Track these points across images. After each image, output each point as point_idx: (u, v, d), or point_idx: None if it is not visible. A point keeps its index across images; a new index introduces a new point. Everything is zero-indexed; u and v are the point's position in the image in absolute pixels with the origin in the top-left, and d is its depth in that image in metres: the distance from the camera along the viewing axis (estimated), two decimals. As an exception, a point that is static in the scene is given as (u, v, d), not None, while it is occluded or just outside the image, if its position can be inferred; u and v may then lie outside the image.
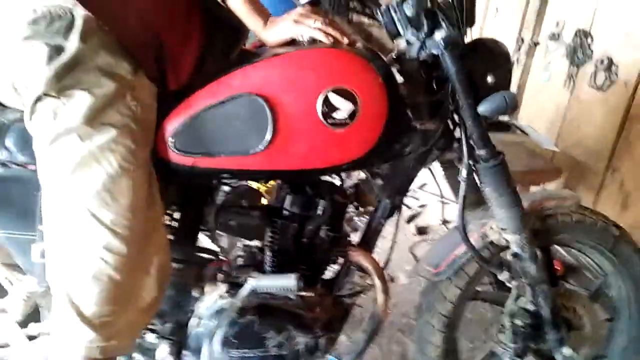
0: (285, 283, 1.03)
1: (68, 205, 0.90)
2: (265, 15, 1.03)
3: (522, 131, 1.12)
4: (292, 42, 1.03)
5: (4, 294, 1.24)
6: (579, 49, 1.96)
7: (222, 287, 1.17)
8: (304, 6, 1.09)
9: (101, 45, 0.87)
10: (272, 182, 1.24)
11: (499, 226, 1.10)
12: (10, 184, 1.02)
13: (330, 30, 0.99)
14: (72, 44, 0.85)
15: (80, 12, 0.86)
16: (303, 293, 1.13)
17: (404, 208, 2.45)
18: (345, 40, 0.99)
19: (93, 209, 0.89)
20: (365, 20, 1.23)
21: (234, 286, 1.17)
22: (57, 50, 0.85)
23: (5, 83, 0.93)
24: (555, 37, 2.09)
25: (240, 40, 1.10)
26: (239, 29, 1.07)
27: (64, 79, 0.85)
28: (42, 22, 0.85)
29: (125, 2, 0.93)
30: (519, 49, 2.28)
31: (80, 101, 0.86)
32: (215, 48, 1.04)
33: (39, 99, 0.87)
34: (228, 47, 1.06)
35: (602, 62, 1.85)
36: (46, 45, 0.84)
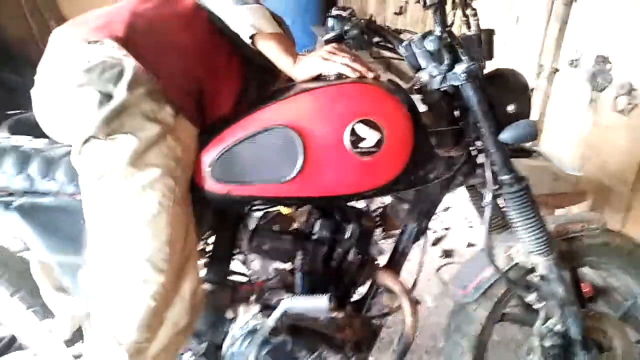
0: (318, 303, 1.07)
1: (110, 238, 0.97)
2: (294, 55, 1.09)
3: (545, 157, 1.15)
4: (319, 77, 1.10)
5: (51, 315, 1.31)
6: (599, 75, 1.98)
7: (255, 308, 1.22)
8: (328, 43, 1.16)
9: (146, 93, 0.96)
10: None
11: (525, 249, 1.12)
12: (60, 212, 1.09)
13: (356, 65, 1.05)
14: (121, 91, 0.93)
15: (130, 63, 0.95)
16: (333, 314, 1.17)
17: (429, 231, 2.48)
18: (370, 75, 1.06)
19: (133, 244, 0.96)
20: (386, 53, 1.30)
21: (267, 308, 1.22)
22: (107, 97, 0.93)
23: (58, 122, 1.02)
24: (574, 63, 2.12)
25: (274, 82, 1.17)
26: (273, 71, 1.13)
27: (112, 124, 0.93)
28: (95, 70, 0.94)
29: (172, 54, 1.02)
30: (539, 75, 2.32)
31: (126, 144, 0.94)
32: (250, 91, 1.11)
33: (87, 140, 0.94)
34: (262, 89, 1.14)
35: (622, 87, 1.87)
36: (98, 92, 0.93)
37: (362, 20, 1.16)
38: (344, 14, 1.17)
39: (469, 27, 0.99)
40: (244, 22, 1.05)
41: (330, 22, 1.15)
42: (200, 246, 1.24)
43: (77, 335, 1.28)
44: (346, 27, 1.15)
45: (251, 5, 1.05)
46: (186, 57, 1.05)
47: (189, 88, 1.03)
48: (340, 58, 1.06)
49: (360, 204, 1.25)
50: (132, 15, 1.03)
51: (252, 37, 1.05)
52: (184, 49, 1.05)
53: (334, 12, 1.16)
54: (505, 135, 1.01)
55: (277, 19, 1.11)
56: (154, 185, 0.95)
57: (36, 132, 1.10)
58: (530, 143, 1.18)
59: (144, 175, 0.95)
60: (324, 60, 1.07)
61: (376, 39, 1.20)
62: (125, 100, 0.93)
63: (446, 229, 2.62)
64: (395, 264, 1.25)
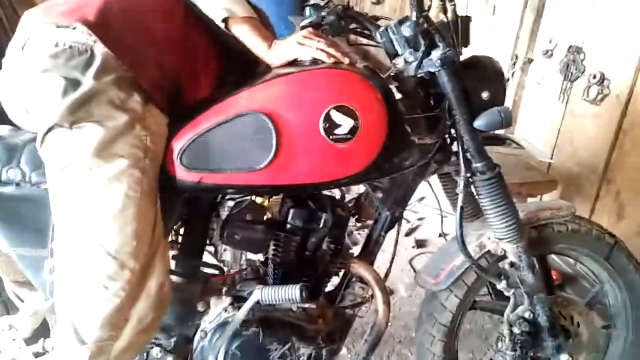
0: (290, 294, 1.05)
1: (75, 231, 0.93)
2: (268, 39, 1.07)
3: (518, 144, 1.15)
4: (294, 62, 1.07)
5: (14, 310, 1.26)
6: (572, 65, 2.01)
7: (227, 301, 1.19)
8: (304, 28, 1.13)
9: (115, 81, 0.92)
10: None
11: (496, 236, 1.13)
12: (24, 202, 1.04)
13: (331, 50, 1.03)
14: (88, 79, 0.89)
15: (100, 49, 0.91)
16: (305, 305, 1.16)
17: (403, 221, 2.49)
18: (346, 60, 1.03)
19: (99, 238, 0.92)
20: (363, 40, 1.28)
21: (238, 299, 1.19)
22: (74, 84, 0.89)
23: (22, 109, 0.97)
24: (548, 53, 2.15)
25: (255, 69, 1.14)
26: (253, 60, 1.10)
27: (77, 112, 0.89)
28: (62, 56, 0.89)
29: (146, 42, 0.98)
30: (514, 65, 2.34)
31: (91, 133, 0.90)
32: (229, 80, 1.08)
33: (51, 129, 0.90)
34: (243, 76, 1.11)
35: (594, 76, 1.90)
36: (63, 79, 0.89)
37: (339, 7, 1.14)
38: (321, 3, 1.15)
39: (445, 12, 0.97)
40: (216, 6, 1.02)
41: (308, 11, 1.13)
42: (170, 237, 1.21)
43: (40, 332, 1.23)
44: (323, 13, 1.12)
45: None
46: (161, 46, 1.01)
47: (162, 77, 0.99)
48: (315, 43, 1.04)
49: (336, 192, 1.24)
50: (106, 1, 0.98)
51: (225, 20, 1.02)
52: (160, 38, 1.01)
53: (312, 1, 1.13)
54: (480, 122, 1.01)
55: (255, 8, 1.09)
56: (120, 177, 0.91)
57: (2, 119, 1.05)
58: (504, 131, 1.19)
59: (111, 167, 0.91)
60: (299, 45, 1.04)
61: (353, 26, 1.18)
62: (93, 87, 0.89)
63: (420, 219, 2.64)
64: (369, 253, 1.24)
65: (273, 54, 1.06)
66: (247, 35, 1.05)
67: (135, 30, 0.99)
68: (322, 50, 1.03)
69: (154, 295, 0.98)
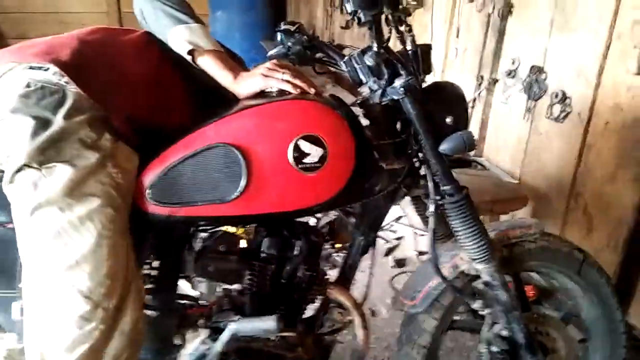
0: (266, 325, 1.05)
1: (46, 272, 0.91)
2: (234, 70, 1.09)
3: (482, 166, 1.19)
4: (262, 94, 1.09)
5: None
6: (535, 84, 2.08)
7: (204, 333, 1.18)
8: (271, 59, 1.15)
9: (87, 121, 0.92)
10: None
11: (468, 257, 1.14)
12: (-11, 242, 1.03)
13: (297, 81, 1.05)
14: (59, 119, 0.89)
15: (72, 90, 0.92)
16: (284, 334, 1.15)
17: (381, 241, 2.50)
18: (312, 90, 1.06)
19: (71, 279, 0.90)
20: (331, 68, 1.31)
21: (216, 331, 1.18)
22: (44, 124, 0.89)
23: None
24: (511, 73, 2.22)
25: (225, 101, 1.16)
26: (226, 95, 1.12)
27: (47, 152, 0.88)
28: (33, 96, 0.90)
29: (119, 83, 1.00)
30: (480, 86, 2.41)
31: (62, 173, 0.89)
32: (203, 114, 1.09)
33: (20, 169, 0.89)
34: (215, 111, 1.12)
35: (556, 95, 1.97)
36: (32, 119, 0.88)
37: (304, 37, 1.17)
38: (292, 28, 1.17)
39: (403, 43, 1.01)
40: (181, 39, 1.04)
41: (279, 36, 1.15)
42: (144, 271, 1.19)
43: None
44: (289, 44, 1.15)
45: (189, 24, 1.05)
46: (135, 85, 1.02)
47: (135, 115, 1.00)
48: (280, 74, 1.06)
49: (309, 219, 1.25)
50: (81, 42, 1.00)
51: (191, 53, 1.05)
52: (133, 78, 1.03)
53: (282, 26, 1.16)
54: (444, 147, 1.04)
55: (222, 45, 1.12)
56: (93, 216, 0.90)
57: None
58: (472, 152, 1.22)
59: (83, 206, 0.90)
60: (264, 77, 1.06)
61: (319, 55, 1.20)
62: (63, 127, 0.89)
63: (398, 238, 2.66)
64: (345, 278, 1.25)
65: (239, 85, 1.08)
66: (212, 67, 1.08)
67: (108, 71, 1.00)
68: (287, 81, 1.05)
69: (128, 332, 0.96)
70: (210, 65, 1.08)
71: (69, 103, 0.91)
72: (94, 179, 0.91)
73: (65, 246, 0.90)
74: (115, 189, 0.93)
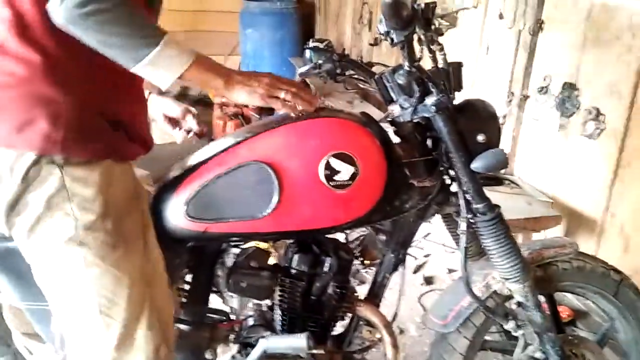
0: (296, 343, 1.05)
1: (76, 301, 0.93)
2: (223, 74, 0.94)
3: (515, 184, 1.17)
4: None
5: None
6: (567, 101, 2.05)
7: (234, 348, 1.19)
8: (302, 76, 1.17)
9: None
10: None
11: (501, 276, 1.13)
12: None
13: (297, 101, 0.99)
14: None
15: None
16: (313, 351, 1.15)
17: (410, 259, 2.47)
18: (312, 108, 1.01)
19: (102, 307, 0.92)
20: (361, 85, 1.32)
21: (246, 346, 1.20)
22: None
23: None
24: (543, 90, 2.19)
25: None
26: None
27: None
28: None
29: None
30: (510, 102, 2.38)
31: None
32: None
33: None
34: None
35: (589, 112, 1.93)
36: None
37: (335, 55, 1.18)
38: (321, 45, 1.19)
39: (435, 62, 1.02)
40: (157, 79, 0.87)
41: (308, 53, 1.17)
42: (177, 286, 1.22)
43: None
44: (319, 61, 1.17)
45: (150, 57, 0.83)
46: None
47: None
48: (282, 94, 0.97)
49: (339, 236, 1.25)
50: None
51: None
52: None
53: (311, 44, 1.18)
54: (476, 165, 1.03)
55: None
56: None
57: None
58: (503, 169, 1.21)
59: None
60: (263, 98, 0.96)
61: (349, 72, 1.22)
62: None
63: (426, 255, 2.63)
64: (374, 295, 1.24)
65: (231, 92, 0.95)
66: (198, 82, 0.95)
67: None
68: (287, 103, 0.98)
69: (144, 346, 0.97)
70: (194, 81, 0.93)
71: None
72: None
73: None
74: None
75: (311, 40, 1.21)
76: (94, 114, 0.89)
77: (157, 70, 0.85)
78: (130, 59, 0.83)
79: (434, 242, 2.63)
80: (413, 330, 2.06)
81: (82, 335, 0.95)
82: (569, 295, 2.00)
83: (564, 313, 1.88)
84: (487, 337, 1.26)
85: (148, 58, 0.82)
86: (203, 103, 4.84)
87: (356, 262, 1.28)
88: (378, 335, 1.22)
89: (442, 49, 1.00)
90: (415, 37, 0.97)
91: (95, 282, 0.91)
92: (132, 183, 0.97)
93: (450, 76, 1.04)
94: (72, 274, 0.91)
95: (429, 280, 2.42)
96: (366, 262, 1.36)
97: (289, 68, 4.39)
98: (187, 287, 1.22)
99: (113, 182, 0.91)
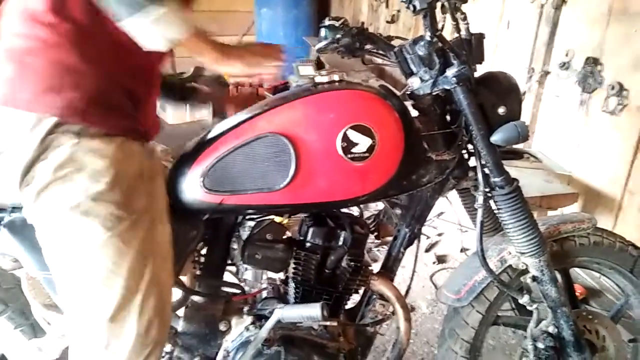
0: (311, 312, 1.06)
1: (77, 269, 0.93)
2: (217, 49, 0.97)
3: (535, 158, 1.15)
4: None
5: (42, 333, 1.29)
6: (590, 76, 2.00)
7: (248, 320, 1.20)
8: (320, 52, 1.15)
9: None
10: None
11: (517, 251, 1.12)
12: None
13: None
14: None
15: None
16: (326, 323, 1.16)
17: (422, 237, 2.48)
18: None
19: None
20: (378, 60, 1.30)
21: (260, 318, 1.21)
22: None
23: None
24: (565, 65, 2.14)
25: None
26: None
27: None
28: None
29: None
30: (530, 79, 2.34)
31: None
32: None
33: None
34: None
35: (612, 87, 1.89)
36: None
37: (354, 28, 1.16)
38: (337, 23, 1.16)
39: (458, 31, 0.99)
40: (151, 35, 0.86)
41: (323, 32, 1.15)
42: (193, 258, 1.23)
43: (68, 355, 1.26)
44: (338, 35, 1.14)
45: (154, 15, 0.82)
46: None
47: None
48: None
49: (354, 210, 1.25)
50: None
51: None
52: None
53: (327, 22, 1.16)
54: (496, 137, 1.02)
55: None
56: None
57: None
58: (522, 145, 1.19)
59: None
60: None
61: (368, 46, 1.20)
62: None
63: (439, 234, 2.62)
64: (388, 270, 1.24)
65: (220, 66, 1.00)
66: (194, 53, 0.96)
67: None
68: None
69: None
70: (193, 51, 0.95)
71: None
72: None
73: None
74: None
75: (327, 18, 1.19)
76: (116, 89, 0.91)
77: (156, 30, 0.84)
78: (133, 11, 0.81)
79: (447, 221, 2.63)
80: (424, 308, 2.08)
81: (81, 305, 0.95)
82: (582, 273, 1.99)
83: (577, 291, 1.87)
84: (499, 313, 1.26)
85: (153, 15, 0.82)
86: (218, 83, 4.83)
87: (371, 237, 1.28)
88: (391, 309, 1.23)
89: (465, 18, 0.98)
90: (439, 4, 0.95)
91: (97, 252, 0.91)
92: (146, 163, 0.97)
93: (472, 47, 1.02)
94: (74, 242, 0.91)
95: (441, 259, 2.43)
96: (380, 237, 1.36)
97: (303, 47, 4.34)
98: (202, 259, 1.23)
99: (126, 158, 0.92)
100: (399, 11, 3.83)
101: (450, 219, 2.57)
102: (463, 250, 2.37)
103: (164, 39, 0.86)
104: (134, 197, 0.93)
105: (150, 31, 0.84)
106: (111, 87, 0.90)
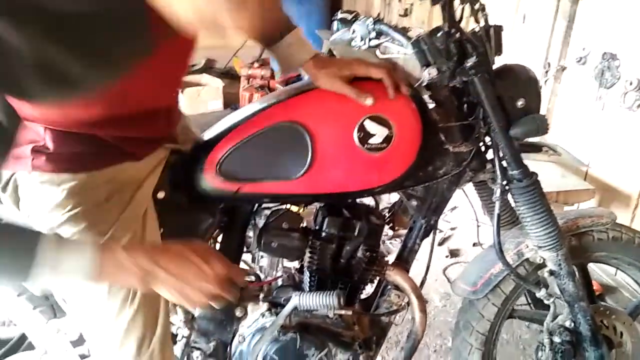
0: (328, 300, 1.07)
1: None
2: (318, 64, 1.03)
3: (554, 151, 1.15)
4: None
5: (62, 314, 1.31)
6: (607, 71, 1.98)
7: (264, 307, 1.22)
8: (335, 44, 1.15)
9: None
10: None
11: (535, 244, 1.12)
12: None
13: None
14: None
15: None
16: (342, 312, 1.17)
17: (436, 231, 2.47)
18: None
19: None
20: (393, 52, 1.29)
21: (275, 305, 1.22)
22: None
23: None
24: (582, 60, 2.12)
25: None
26: None
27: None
28: None
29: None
30: (547, 74, 2.31)
31: None
32: None
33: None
34: None
35: (630, 83, 1.87)
36: None
37: (369, 19, 1.16)
38: (349, 17, 1.17)
39: (477, 22, 0.99)
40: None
41: (336, 25, 1.15)
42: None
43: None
44: (353, 27, 1.14)
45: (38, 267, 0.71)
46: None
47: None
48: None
49: (369, 201, 1.25)
50: None
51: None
52: None
53: (339, 15, 1.16)
54: (515, 131, 1.01)
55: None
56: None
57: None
58: (539, 138, 1.18)
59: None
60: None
61: (383, 37, 1.19)
62: None
63: (452, 228, 2.62)
64: (404, 261, 1.24)
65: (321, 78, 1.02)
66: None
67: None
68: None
69: None
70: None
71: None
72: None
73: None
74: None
75: (339, 11, 1.19)
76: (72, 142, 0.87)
77: (60, 276, 0.73)
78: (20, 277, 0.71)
79: (461, 215, 2.62)
80: (437, 301, 2.08)
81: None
82: (597, 270, 1.97)
83: (594, 287, 1.86)
84: (515, 307, 1.26)
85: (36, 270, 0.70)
86: (230, 76, 4.85)
87: (385, 229, 1.28)
88: (406, 300, 1.23)
89: (483, 9, 0.97)
90: (458, -5, 0.94)
91: None
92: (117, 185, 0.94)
93: (491, 38, 1.01)
94: None
95: (454, 253, 2.42)
96: (396, 228, 1.36)
97: (316, 41, 4.33)
98: (218, 247, 1.25)
99: (87, 190, 0.90)
100: (412, 4, 3.81)
101: (463, 213, 2.56)
102: (476, 244, 2.36)
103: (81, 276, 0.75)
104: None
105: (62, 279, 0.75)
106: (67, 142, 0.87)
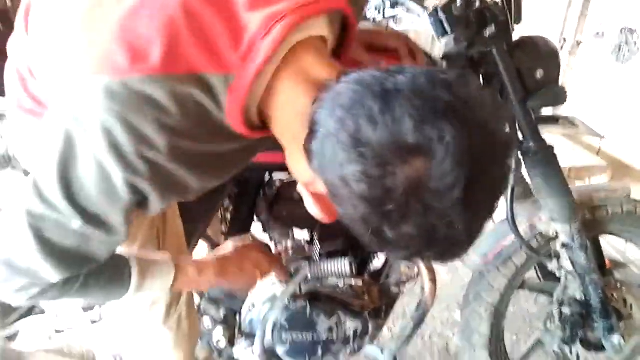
0: (339, 267, 1.08)
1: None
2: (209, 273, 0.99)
3: (572, 123, 1.13)
4: None
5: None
6: (625, 46, 1.94)
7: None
8: None
9: None
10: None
11: (548, 217, 1.11)
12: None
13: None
14: None
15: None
16: (352, 281, 1.18)
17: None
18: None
19: None
20: (404, 25, 1.27)
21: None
22: None
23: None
24: (599, 35, 2.08)
25: None
26: None
27: None
28: None
29: None
30: (562, 48, 2.27)
31: None
32: None
33: None
34: None
35: (648, 58, 1.84)
36: None
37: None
38: None
39: (497, -12, 0.96)
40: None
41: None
42: (220, 215, 1.25)
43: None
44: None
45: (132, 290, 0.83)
46: None
47: None
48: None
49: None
50: None
51: None
52: None
53: None
54: (533, 102, 1.00)
55: None
56: None
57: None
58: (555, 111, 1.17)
59: None
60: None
61: (398, 8, 1.17)
62: None
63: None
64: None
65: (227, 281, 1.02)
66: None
67: None
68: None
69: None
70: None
71: None
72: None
73: None
74: None
75: None
76: None
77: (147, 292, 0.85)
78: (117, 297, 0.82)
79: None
80: (444, 274, 2.09)
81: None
82: (607, 246, 1.97)
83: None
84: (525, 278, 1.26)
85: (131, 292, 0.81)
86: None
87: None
88: (416, 270, 1.24)
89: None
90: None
91: None
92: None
93: (511, 7, 0.99)
94: None
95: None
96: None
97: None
98: (229, 216, 1.25)
99: None
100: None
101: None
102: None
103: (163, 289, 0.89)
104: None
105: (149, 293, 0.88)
106: None
